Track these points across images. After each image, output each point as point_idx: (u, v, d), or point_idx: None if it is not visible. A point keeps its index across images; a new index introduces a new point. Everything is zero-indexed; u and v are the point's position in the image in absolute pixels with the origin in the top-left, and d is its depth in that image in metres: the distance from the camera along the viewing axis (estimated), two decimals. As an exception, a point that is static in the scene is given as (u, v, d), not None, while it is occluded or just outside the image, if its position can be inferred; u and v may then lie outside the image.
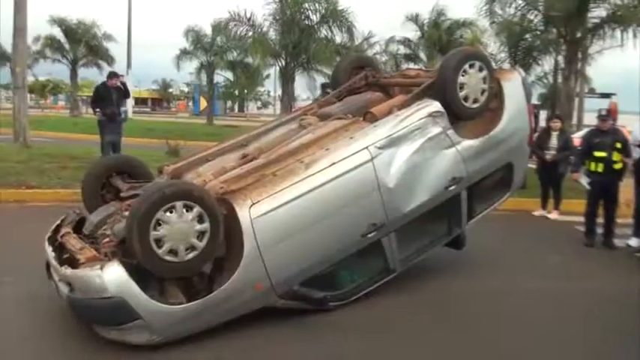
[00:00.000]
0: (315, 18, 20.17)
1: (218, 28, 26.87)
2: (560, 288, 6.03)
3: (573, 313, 5.38)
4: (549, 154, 9.45)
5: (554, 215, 9.83)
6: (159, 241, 4.02)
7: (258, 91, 48.39)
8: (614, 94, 27.24)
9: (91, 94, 12.52)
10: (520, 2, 15.02)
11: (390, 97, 6.18)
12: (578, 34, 14.36)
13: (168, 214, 4.04)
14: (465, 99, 5.49)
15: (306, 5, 20.01)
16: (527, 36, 16.31)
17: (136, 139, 18.25)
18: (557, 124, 9.74)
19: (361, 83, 6.60)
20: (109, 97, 10.94)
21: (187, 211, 4.09)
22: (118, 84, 11.22)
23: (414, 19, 25.37)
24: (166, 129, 22.76)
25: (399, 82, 6.60)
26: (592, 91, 30.25)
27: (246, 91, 44.11)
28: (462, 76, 5.44)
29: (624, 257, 7.45)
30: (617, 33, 14.93)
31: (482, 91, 5.58)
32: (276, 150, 5.08)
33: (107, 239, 4.51)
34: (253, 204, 4.40)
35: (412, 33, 26.19)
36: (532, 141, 6.29)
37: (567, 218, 9.51)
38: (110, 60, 41.00)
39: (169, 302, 4.19)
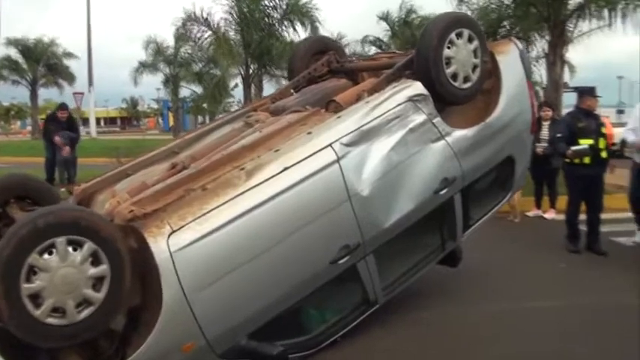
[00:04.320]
0: (276, 15, 18.98)
1: (181, 38, 25.61)
2: (573, 304, 5.03)
3: (597, 332, 4.43)
4: (540, 147, 8.42)
5: (550, 214, 8.88)
6: (36, 298, 2.80)
7: (227, 102, 47.14)
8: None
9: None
10: None
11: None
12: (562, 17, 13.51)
13: (46, 256, 2.81)
14: (454, 77, 4.30)
15: (266, 2, 18.82)
16: (505, 23, 15.42)
17: (100, 158, 16.89)
18: (547, 112, 8.75)
19: (323, 70, 5.40)
20: (59, 127, 10.91)
21: (75, 249, 2.87)
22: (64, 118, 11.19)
23: (385, 17, 24.56)
24: (132, 146, 21.56)
25: (371, 65, 5.42)
26: (565, 86, 29.48)
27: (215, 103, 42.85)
28: (448, 48, 4.26)
29: (636, 257, 6.52)
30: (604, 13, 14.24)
31: (474, 67, 4.42)
32: (210, 156, 3.85)
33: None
34: (173, 231, 3.18)
35: (383, 33, 25.48)
36: (536, 127, 5.12)
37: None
38: (71, 78, 39.75)
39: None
